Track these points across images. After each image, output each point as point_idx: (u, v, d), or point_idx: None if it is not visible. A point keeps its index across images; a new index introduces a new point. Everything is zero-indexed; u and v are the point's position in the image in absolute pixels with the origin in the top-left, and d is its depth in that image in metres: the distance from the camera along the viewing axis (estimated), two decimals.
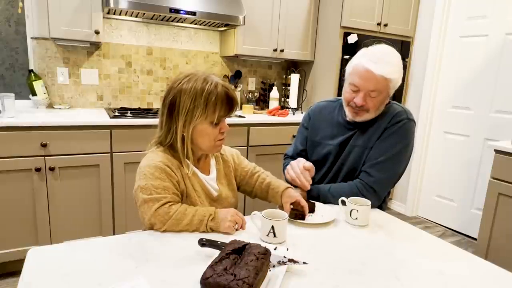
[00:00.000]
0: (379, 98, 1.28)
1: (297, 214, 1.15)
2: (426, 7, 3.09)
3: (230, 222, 1.02)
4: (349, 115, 1.37)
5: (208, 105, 1.06)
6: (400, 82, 1.31)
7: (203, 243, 0.88)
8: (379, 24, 2.94)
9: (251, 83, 3.24)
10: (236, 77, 3.06)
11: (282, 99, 3.31)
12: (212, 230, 1.02)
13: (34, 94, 2.39)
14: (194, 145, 1.13)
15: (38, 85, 2.38)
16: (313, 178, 1.36)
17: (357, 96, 1.29)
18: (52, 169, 2.00)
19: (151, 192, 1.02)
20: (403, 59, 3.15)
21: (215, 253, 0.85)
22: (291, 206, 1.16)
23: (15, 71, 2.43)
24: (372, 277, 0.83)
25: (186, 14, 2.35)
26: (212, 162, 1.24)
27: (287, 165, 1.53)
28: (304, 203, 1.16)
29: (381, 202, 1.34)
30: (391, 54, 1.29)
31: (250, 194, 1.34)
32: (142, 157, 1.13)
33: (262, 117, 2.76)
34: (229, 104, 1.10)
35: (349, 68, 1.33)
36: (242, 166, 1.32)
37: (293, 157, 1.54)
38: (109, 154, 2.15)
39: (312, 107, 1.57)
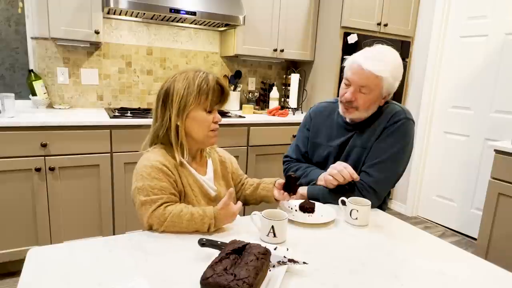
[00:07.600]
0: (369, 96, 1.28)
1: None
2: (426, 7, 3.09)
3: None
4: (341, 111, 1.38)
5: (201, 91, 1.10)
6: (395, 84, 1.30)
7: (203, 243, 0.88)
8: (379, 24, 2.94)
9: (251, 83, 3.24)
10: (236, 77, 3.06)
11: (282, 99, 3.30)
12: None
13: (34, 94, 2.39)
14: (189, 137, 1.14)
15: (38, 85, 2.38)
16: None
17: (347, 91, 1.30)
18: (52, 169, 2.00)
19: (148, 193, 1.02)
20: (403, 59, 3.17)
21: (215, 253, 0.85)
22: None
23: (15, 71, 2.43)
24: (372, 277, 0.83)
25: (186, 14, 2.35)
26: (209, 162, 1.24)
27: (288, 168, 1.52)
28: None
29: (381, 202, 1.34)
30: (387, 54, 1.29)
31: (238, 199, 1.36)
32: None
33: (262, 117, 2.75)
34: (220, 91, 1.14)
35: (346, 63, 1.34)
36: (239, 174, 1.37)
37: (299, 160, 1.53)
38: (109, 154, 2.14)
39: (313, 108, 1.56)
